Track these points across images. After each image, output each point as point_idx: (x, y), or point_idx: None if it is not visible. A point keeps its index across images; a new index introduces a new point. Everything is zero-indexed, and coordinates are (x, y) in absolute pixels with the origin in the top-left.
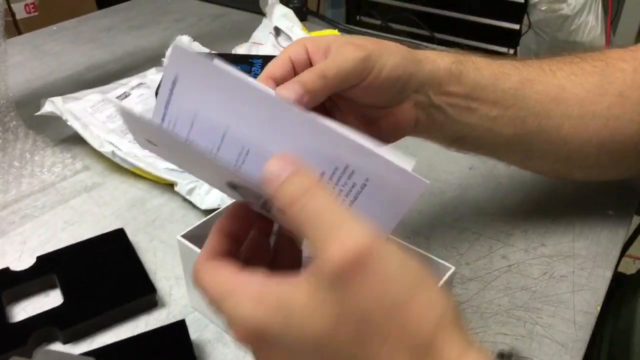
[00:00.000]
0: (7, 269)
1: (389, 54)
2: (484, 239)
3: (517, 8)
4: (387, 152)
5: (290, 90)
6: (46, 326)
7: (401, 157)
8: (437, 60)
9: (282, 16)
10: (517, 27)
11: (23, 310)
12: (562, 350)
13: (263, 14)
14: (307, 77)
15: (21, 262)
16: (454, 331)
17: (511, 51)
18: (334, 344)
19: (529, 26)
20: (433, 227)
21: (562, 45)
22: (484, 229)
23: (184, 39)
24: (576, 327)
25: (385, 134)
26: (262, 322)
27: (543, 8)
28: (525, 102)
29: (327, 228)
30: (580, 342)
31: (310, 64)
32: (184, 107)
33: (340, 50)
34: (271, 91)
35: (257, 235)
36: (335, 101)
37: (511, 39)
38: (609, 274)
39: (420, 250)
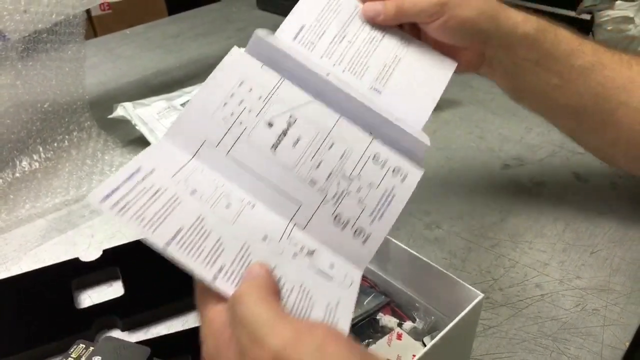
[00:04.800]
0: (77, 259)
1: (466, 7)
2: (520, 266)
3: (582, 25)
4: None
5: (371, 9)
6: (108, 314)
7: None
8: (518, 23)
9: None
10: None
11: (88, 298)
12: None
13: None
14: (388, 3)
15: (89, 253)
16: None
17: None
18: None
19: None
20: (470, 251)
21: None
22: (521, 256)
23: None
24: None
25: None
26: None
27: (609, 28)
28: (589, 82)
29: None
30: None
31: None
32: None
33: None
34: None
35: None
36: (418, 28)
37: None
38: None
39: (451, 275)
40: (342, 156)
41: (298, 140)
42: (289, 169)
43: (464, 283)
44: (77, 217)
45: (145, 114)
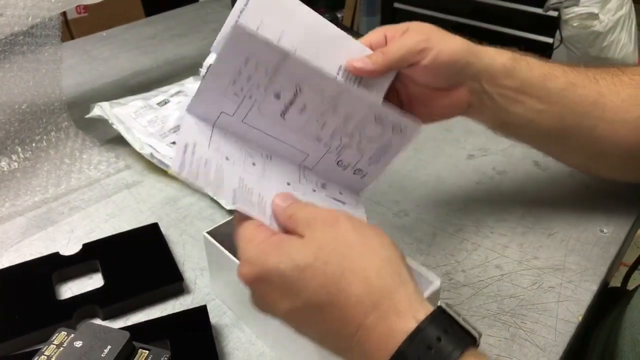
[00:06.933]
0: (57, 254)
1: (448, 41)
2: (482, 249)
3: (550, 21)
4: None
5: (360, 61)
6: (88, 304)
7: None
8: (495, 55)
9: None
10: (550, 40)
11: (69, 290)
12: (540, 353)
13: None
14: (374, 54)
15: (69, 248)
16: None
17: None
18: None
19: (561, 41)
20: (435, 236)
21: (593, 61)
22: (483, 240)
23: None
24: (556, 334)
25: (440, 112)
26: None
27: (575, 24)
28: (568, 102)
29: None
30: (558, 347)
31: None
32: (252, 19)
33: (407, 34)
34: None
35: None
36: (401, 80)
37: (543, 53)
38: (594, 288)
39: (412, 263)
40: (345, 118)
41: (304, 107)
42: (297, 131)
43: (421, 270)
44: (56, 214)
45: (122, 113)
